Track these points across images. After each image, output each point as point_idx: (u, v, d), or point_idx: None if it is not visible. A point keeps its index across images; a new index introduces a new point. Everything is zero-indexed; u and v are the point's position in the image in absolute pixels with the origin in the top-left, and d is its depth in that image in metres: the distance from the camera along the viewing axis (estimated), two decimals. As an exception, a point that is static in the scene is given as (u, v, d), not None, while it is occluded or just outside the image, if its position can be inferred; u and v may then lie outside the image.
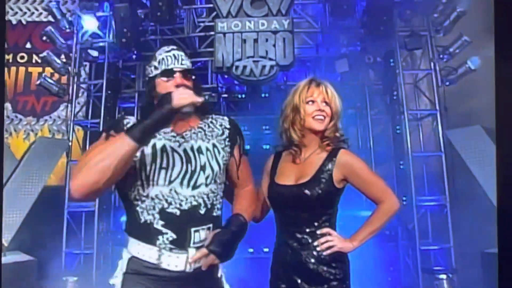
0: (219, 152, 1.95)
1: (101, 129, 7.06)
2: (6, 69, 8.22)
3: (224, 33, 7.09)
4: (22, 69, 8.92)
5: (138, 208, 1.81)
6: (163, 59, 1.87)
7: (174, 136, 1.90)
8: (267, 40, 7.06)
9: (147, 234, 1.79)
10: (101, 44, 7.42)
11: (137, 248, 1.80)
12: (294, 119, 2.19)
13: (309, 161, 2.18)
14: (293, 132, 2.20)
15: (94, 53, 7.48)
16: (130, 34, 7.01)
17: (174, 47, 1.98)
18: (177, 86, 1.81)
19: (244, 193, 2.13)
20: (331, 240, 2.09)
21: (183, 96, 1.66)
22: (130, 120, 1.89)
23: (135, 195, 1.82)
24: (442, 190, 6.90)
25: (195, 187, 1.83)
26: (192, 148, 1.88)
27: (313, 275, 2.08)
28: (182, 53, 1.94)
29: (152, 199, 1.79)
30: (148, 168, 1.79)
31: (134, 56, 7.70)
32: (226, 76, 7.62)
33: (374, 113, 7.89)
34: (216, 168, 1.90)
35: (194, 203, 1.81)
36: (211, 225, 1.86)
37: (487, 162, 6.24)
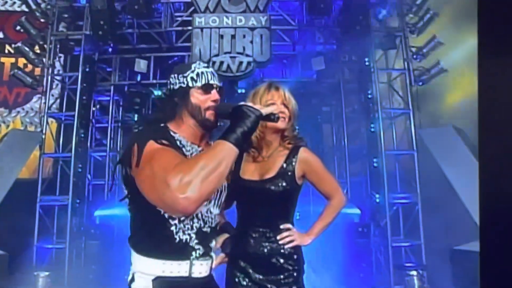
0: None
1: (76, 121, 6.93)
2: (-24, 58, 7.87)
3: (202, 28, 6.96)
4: (-6, 59, 8.56)
5: (173, 228, 1.71)
6: (202, 73, 1.83)
7: None
8: (244, 36, 6.96)
9: (180, 253, 1.73)
10: (77, 36, 7.10)
11: (162, 267, 1.70)
12: None
13: (272, 159, 2.24)
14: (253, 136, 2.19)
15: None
16: (106, 26, 6.75)
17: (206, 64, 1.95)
18: (214, 101, 1.79)
19: None
20: (291, 235, 2.16)
21: (266, 106, 1.76)
22: (178, 137, 1.78)
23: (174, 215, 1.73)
24: (414, 188, 6.86)
25: (218, 206, 1.89)
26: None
27: (273, 267, 2.15)
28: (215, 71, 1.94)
29: (192, 218, 1.74)
30: None
31: (110, 49, 7.44)
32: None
33: (349, 111, 7.84)
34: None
35: (217, 220, 1.89)
36: (216, 237, 1.95)
37: (458, 161, 6.23)
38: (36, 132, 7.46)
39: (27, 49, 6.85)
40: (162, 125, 1.79)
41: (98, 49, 7.39)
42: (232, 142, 1.46)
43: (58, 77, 7.62)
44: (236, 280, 2.19)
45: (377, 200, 6.96)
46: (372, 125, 7.21)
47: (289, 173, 2.17)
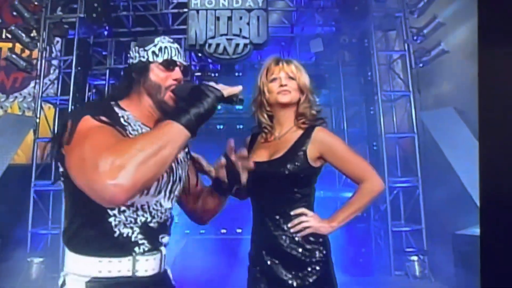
0: (187, 165, 1.73)
1: (70, 105, 6.73)
2: (-26, 44, 7.67)
3: (198, 10, 6.71)
4: (-9, 44, 8.36)
5: (111, 220, 1.41)
6: (166, 48, 1.59)
7: None
8: (241, 18, 6.70)
9: (121, 249, 1.43)
10: (71, 19, 6.85)
11: (97, 267, 1.40)
12: (261, 101, 2.07)
13: (283, 139, 2.00)
14: (260, 114, 2.09)
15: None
16: (101, 9, 6.53)
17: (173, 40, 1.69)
18: (175, 80, 1.55)
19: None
20: (305, 221, 1.89)
21: (230, 87, 1.46)
22: (124, 114, 1.50)
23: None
24: (415, 172, 6.56)
25: (171, 199, 1.59)
26: (177, 157, 1.61)
27: (289, 258, 1.88)
28: (181, 49, 1.69)
29: (136, 210, 1.45)
30: None
31: (105, 32, 7.19)
32: (199, 55, 7.18)
33: (348, 94, 7.53)
34: (184, 180, 1.68)
35: (168, 215, 1.58)
36: (169, 233, 1.61)
37: (459, 143, 5.97)
38: (30, 116, 7.22)
39: (20, 32, 6.61)
40: (112, 102, 1.54)
41: (93, 33, 7.13)
42: (182, 123, 1.25)
43: (55, 62, 7.39)
44: (258, 275, 1.96)
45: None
46: (371, 108, 6.92)
47: (300, 154, 1.91)
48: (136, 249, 1.44)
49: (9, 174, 6.18)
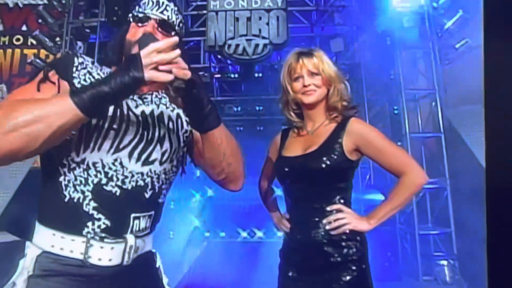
0: (182, 126, 1.43)
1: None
2: (2, 51, 7.74)
3: (217, 11, 6.60)
4: (17, 51, 8.50)
5: (61, 180, 1.20)
6: (144, 3, 1.38)
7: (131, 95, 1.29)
8: (260, 18, 6.54)
9: (71, 219, 1.19)
10: (92, 23, 6.81)
11: (51, 240, 1.18)
12: (286, 100, 1.96)
13: (317, 132, 1.87)
14: (287, 113, 1.98)
15: None
16: (121, 12, 6.40)
17: None
18: (145, 32, 1.28)
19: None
20: (342, 218, 1.74)
21: (162, 69, 1.07)
22: (85, 62, 1.31)
23: (63, 158, 1.20)
24: (442, 172, 6.14)
25: (146, 162, 1.29)
26: (152, 113, 1.34)
27: (323, 256, 1.74)
28: (171, 4, 1.41)
29: (87, 168, 1.20)
30: (93, 124, 1.20)
31: (126, 36, 7.09)
32: (219, 56, 7.02)
33: (370, 93, 7.19)
34: (175, 143, 1.39)
35: (140, 182, 1.26)
36: (153, 213, 1.33)
37: (489, 142, 5.54)
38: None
39: (44, 37, 6.61)
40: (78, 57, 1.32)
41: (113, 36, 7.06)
42: (78, 103, 1.01)
43: (76, 66, 7.35)
44: (288, 276, 1.81)
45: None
46: (395, 108, 6.57)
47: (336, 146, 1.77)
48: (89, 224, 1.19)
49: (31, 178, 6.09)
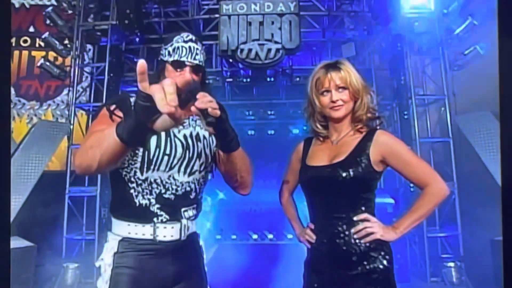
0: (213, 141, 1.80)
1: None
2: (9, 52, 7.40)
3: (229, 16, 6.37)
4: (25, 53, 8.17)
5: (132, 191, 1.65)
6: (178, 48, 1.66)
7: None
8: (273, 22, 6.34)
9: (141, 216, 1.65)
10: (103, 26, 6.53)
11: (127, 229, 1.65)
12: (313, 111, 1.94)
13: (342, 142, 1.86)
14: (313, 124, 1.96)
15: None
16: (133, 16, 6.18)
17: (193, 38, 1.73)
18: (183, 79, 1.64)
19: None
20: (370, 227, 1.72)
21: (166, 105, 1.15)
22: None
23: (131, 177, 1.64)
24: (450, 177, 6.09)
25: (190, 173, 1.72)
26: (191, 135, 1.74)
27: (350, 266, 1.72)
28: (199, 47, 1.72)
29: (150, 183, 1.64)
30: (152, 153, 1.63)
31: (137, 39, 6.85)
32: (231, 60, 6.82)
33: (381, 98, 7.09)
34: (209, 156, 1.78)
35: (188, 188, 1.71)
36: (195, 205, 1.78)
37: (496, 148, 5.57)
38: (64, 123, 6.92)
39: (54, 40, 6.32)
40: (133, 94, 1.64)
41: (124, 39, 6.80)
42: (118, 134, 1.23)
43: (87, 69, 7.10)
44: (314, 286, 1.81)
45: (411, 190, 6.23)
46: (405, 112, 6.46)
47: (363, 157, 1.76)
48: (155, 219, 1.64)
49: (44, 181, 5.91)
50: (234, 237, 7.46)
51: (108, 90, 6.36)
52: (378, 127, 1.85)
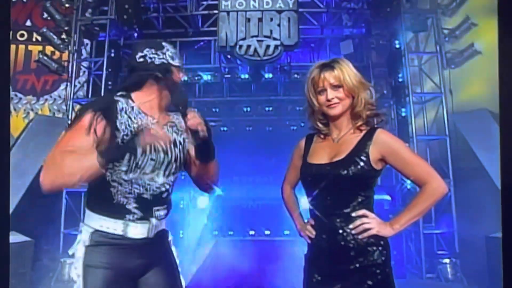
0: (185, 146, 1.95)
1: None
2: (5, 46, 7.30)
3: (228, 12, 6.34)
4: (21, 47, 8.06)
5: (112, 189, 1.74)
6: (175, 53, 1.90)
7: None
8: (271, 19, 6.33)
9: (116, 212, 1.75)
10: (102, 21, 6.47)
11: (99, 222, 1.75)
12: (312, 110, 1.96)
13: (342, 141, 1.87)
14: (313, 122, 1.98)
15: None
16: (131, 10, 6.13)
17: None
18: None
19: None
20: (367, 223, 1.74)
21: (153, 138, 1.71)
22: (123, 103, 1.77)
23: (115, 178, 1.74)
24: (446, 174, 6.13)
25: (168, 175, 1.85)
26: (169, 141, 1.87)
27: (349, 260, 1.75)
28: (177, 51, 1.99)
29: (132, 184, 1.75)
30: (138, 157, 1.74)
31: (135, 34, 6.79)
32: (229, 57, 6.79)
33: (378, 95, 7.08)
34: (182, 160, 1.92)
35: (163, 189, 1.84)
36: (166, 205, 1.90)
37: (493, 146, 5.56)
38: (61, 118, 6.87)
39: (52, 34, 6.25)
40: (119, 94, 1.81)
41: (123, 34, 6.75)
42: (100, 163, 1.56)
43: (84, 64, 7.02)
44: (314, 280, 1.83)
45: (408, 187, 6.27)
46: (403, 110, 6.48)
47: (363, 156, 1.77)
48: (128, 216, 1.73)
49: (39, 175, 5.85)
50: (231, 233, 7.48)
51: (106, 85, 6.32)
52: (376, 126, 1.86)
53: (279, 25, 6.26)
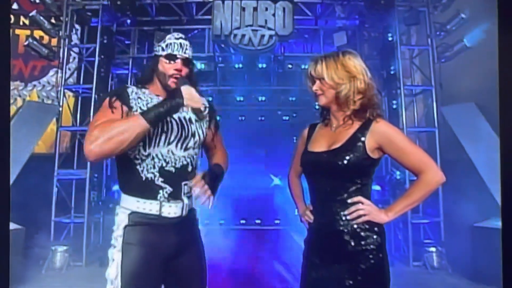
0: (203, 124, 2.09)
1: (93, 94, 6.28)
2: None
3: (223, 0, 6.26)
4: (8, 31, 7.73)
5: (138, 167, 1.87)
6: (170, 44, 1.97)
7: None
8: (266, 9, 6.31)
9: (149, 190, 1.87)
10: (94, 6, 6.33)
11: (136, 204, 1.87)
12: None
13: (340, 130, 1.93)
14: (321, 109, 2.10)
15: None
16: (125, -4, 6.00)
17: (183, 36, 2.05)
18: (176, 70, 1.94)
19: (218, 152, 2.25)
20: (362, 209, 1.80)
21: (195, 100, 1.83)
22: (134, 89, 1.96)
23: (136, 154, 1.86)
24: (435, 166, 6.24)
25: (186, 149, 1.96)
26: (185, 118, 2.00)
27: (344, 245, 1.81)
28: (188, 43, 2.02)
29: (152, 158, 1.87)
30: (151, 131, 1.83)
31: (129, 21, 6.68)
32: (223, 46, 6.75)
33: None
34: (201, 136, 2.04)
35: (185, 162, 1.94)
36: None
37: (479, 138, 5.76)
38: (52, 105, 6.73)
39: (42, 19, 6.08)
40: (131, 86, 2.00)
41: (116, 21, 6.61)
42: (147, 119, 1.69)
43: (75, 49, 6.87)
44: (312, 261, 1.92)
45: (398, 177, 6.39)
46: (394, 102, 6.57)
47: (359, 145, 1.82)
48: (161, 191, 1.86)
49: (32, 163, 5.76)
50: (222, 222, 7.50)
51: (98, 72, 6.22)
52: (372, 117, 1.88)
53: (274, 15, 6.25)
